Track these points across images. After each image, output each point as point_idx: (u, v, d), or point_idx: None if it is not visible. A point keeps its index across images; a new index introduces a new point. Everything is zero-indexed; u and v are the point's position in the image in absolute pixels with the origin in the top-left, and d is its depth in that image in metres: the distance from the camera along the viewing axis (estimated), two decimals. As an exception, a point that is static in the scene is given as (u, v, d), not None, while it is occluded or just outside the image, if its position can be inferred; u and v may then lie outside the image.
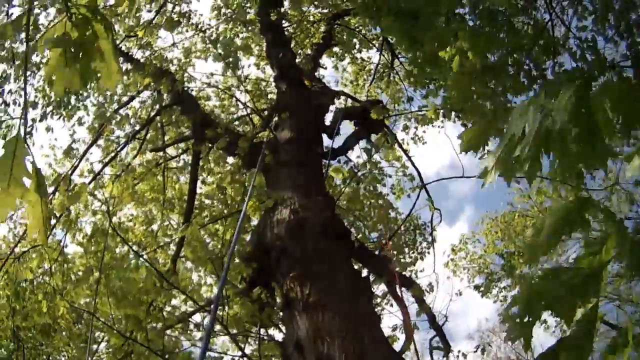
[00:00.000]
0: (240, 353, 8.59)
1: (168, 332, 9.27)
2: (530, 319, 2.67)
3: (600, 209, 2.80)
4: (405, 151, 12.78)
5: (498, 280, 20.90)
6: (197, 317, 9.72)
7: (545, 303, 2.66)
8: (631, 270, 2.70)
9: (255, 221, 9.24)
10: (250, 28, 14.59)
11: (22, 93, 11.33)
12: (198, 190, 11.93)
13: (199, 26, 14.08)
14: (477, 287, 20.50)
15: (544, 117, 2.83)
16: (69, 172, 11.62)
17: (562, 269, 2.68)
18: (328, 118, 10.95)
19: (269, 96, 13.65)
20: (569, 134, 2.78)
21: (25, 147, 2.91)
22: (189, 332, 9.59)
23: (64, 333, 10.18)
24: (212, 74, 13.25)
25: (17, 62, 10.75)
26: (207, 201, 12.07)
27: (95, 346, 9.85)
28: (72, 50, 3.16)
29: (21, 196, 2.92)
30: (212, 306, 7.01)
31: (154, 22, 12.84)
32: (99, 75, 3.29)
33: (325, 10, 14.55)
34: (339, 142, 10.90)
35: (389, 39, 13.16)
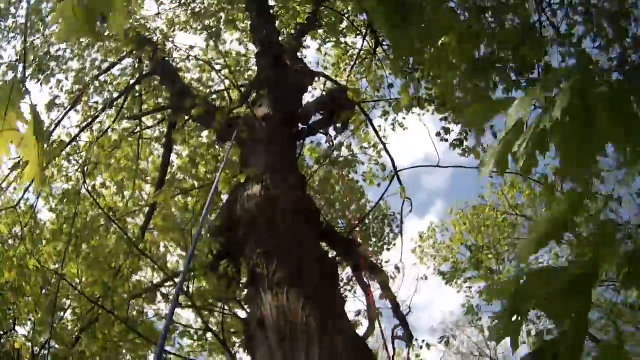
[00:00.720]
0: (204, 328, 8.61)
1: (134, 301, 9.25)
2: (519, 318, 2.68)
3: (592, 215, 2.83)
4: (380, 137, 12.79)
5: (464, 270, 20.94)
6: (164, 290, 9.70)
7: (535, 302, 2.68)
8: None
9: (226, 196, 9.20)
10: (236, 3, 14.53)
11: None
12: (171, 162, 11.92)
13: (185, -1, 14.05)
14: (442, 274, 20.54)
15: (542, 112, 2.85)
16: (49, 130, 11.62)
17: (552, 269, 2.77)
18: (306, 99, 10.96)
19: (249, 73, 13.64)
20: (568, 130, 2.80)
21: (22, 90, 2.86)
22: (157, 302, 9.57)
23: (30, 298, 10.12)
24: (191, 47, 13.21)
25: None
26: (180, 173, 12.05)
27: (61, 313, 9.84)
28: None
29: (17, 141, 2.86)
30: (179, 277, 7.00)
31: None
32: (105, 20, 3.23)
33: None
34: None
35: (374, 26, 13.14)
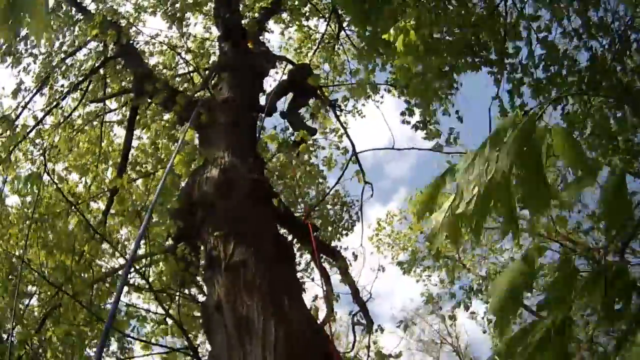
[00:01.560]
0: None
1: (97, 286, 9.22)
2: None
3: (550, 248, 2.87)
4: (340, 121, 12.78)
5: (422, 259, 20.92)
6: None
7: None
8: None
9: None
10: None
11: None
12: (133, 145, 11.90)
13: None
14: (400, 264, 20.45)
15: (491, 168, 2.88)
16: (13, 116, 11.58)
17: (529, 326, 2.81)
18: (267, 82, 10.96)
19: (212, 58, 13.61)
20: (512, 181, 2.86)
21: None
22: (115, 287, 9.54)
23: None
24: (157, 34, 13.16)
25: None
26: (141, 157, 12.02)
27: (26, 300, 9.80)
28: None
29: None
30: (136, 260, 6.99)
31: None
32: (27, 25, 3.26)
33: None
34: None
35: (338, 10, 13.13)
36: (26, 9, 3.11)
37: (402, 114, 11.57)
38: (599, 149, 9.50)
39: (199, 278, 8.50)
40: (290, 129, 11.88)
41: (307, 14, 15.40)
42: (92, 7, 12.52)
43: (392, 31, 7.39)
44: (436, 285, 21.42)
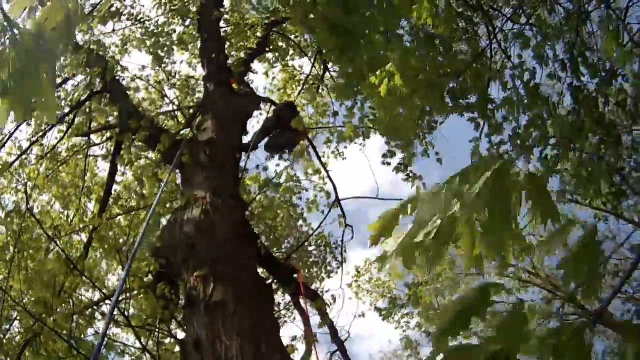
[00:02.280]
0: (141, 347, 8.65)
1: (75, 318, 9.27)
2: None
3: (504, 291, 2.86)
4: (322, 163, 12.88)
5: (401, 306, 20.92)
6: (104, 309, 9.74)
7: None
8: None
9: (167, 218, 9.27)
10: (188, 23, 14.67)
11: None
12: (117, 180, 12.00)
13: (138, 17, 14.13)
14: (378, 310, 20.43)
15: (456, 202, 2.89)
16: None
17: (468, 346, 2.72)
18: (251, 123, 11.08)
19: (197, 95, 13.75)
20: (477, 221, 2.87)
21: None
22: (95, 319, 9.60)
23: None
24: (143, 67, 13.27)
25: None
26: (124, 193, 12.10)
27: (7, 325, 9.84)
28: (15, 79, 3.21)
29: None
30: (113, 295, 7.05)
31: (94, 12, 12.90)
32: (35, 105, 3.36)
33: (265, 15, 14.63)
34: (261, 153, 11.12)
35: (322, 51, 13.28)
36: (33, 90, 3.21)
37: (384, 155, 11.72)
38: (579, 191, 9.62)
39: (177, 315, 8.58)
40: (272, 169, 11.96)
41: (291, 54, 15.58)
42: (79, 38, 12.61)
43: (377, 73, 7.49)
44: (414, 329, 21.44)
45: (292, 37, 15.19)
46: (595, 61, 8.56)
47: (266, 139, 11.20)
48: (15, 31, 3.21)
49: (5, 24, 3.18)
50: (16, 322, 9.98)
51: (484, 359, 2.55)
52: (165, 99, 13.53)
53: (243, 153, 10.26)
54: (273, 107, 12.65)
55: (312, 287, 12.72)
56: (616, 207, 10.05)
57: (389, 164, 11.77)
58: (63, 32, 3.39)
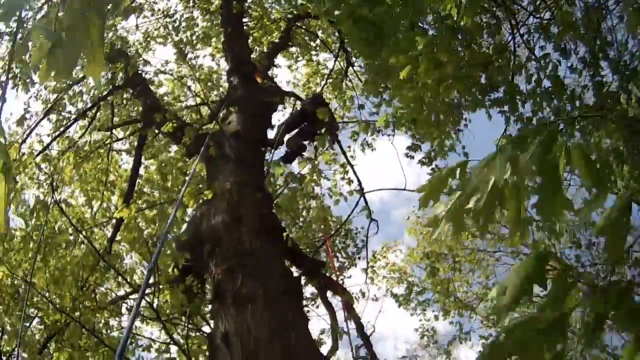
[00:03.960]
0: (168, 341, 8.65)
1: (100, 313, 9.28)
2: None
3: (560, 262, 2.84)
4: (347, 159, 12.83)
5: (419, 292, 20.77)
6: (129, 302, 9.74)
7: (512, 350, 2.67)
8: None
9: (192, 211, 9.25)
10: (211, 18, 14.66)
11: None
12: (141, 174, 12.00)
13: (164, 12, 14.15)
14: (395, 296, 20.29)
15: (511, 168, 2.90)
16: (19, 142, 11.63)
17: (524, 320, 2.71)
18: (276, 117, 11.07)
19: (221, 89, 13.73)
20: (527, 187, 2.89)
21: None
22: (120, 314, 9.62)
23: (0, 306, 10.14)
24: (167, 62, 13.27)
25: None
26: (148, 187, 12.08)
27: (28, 323, 9.85)
28: (61, 37, 3.17)
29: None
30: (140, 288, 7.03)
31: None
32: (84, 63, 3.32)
33: (288, 10, 14.62)
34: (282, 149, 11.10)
35: (346, 47, 13.22)
36: (81, 48, 3.17)
37: (408, 148, 11.67)
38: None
39: (203, 309, 8.58)
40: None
41: (315, 48, 15.55)
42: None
43: (400, 58, 7.44)
44: (429, 320, 21.28)
45: (315, 31, 15.15)
46: (617, 57, 8.49)
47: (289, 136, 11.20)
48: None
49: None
50: (35, 321, 9.99)
51: (541, 329, 2.59)
52: (189, 93, 13.52)
53: (269, 146, 10.23)
54: (299, 102, 12.63)
55: (341, 276, 12.67)
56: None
57: (412, 157, 11.73)
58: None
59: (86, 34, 3.12)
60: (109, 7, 3.52)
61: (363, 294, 11.47)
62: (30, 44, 3.25)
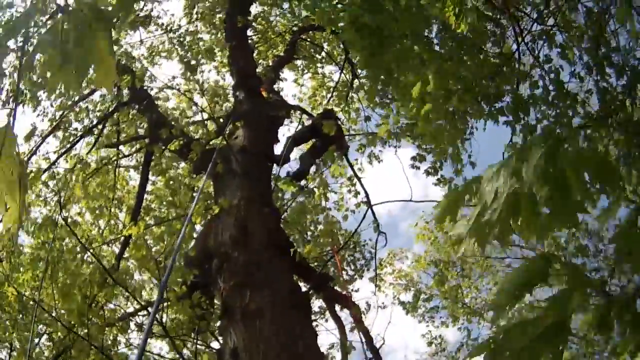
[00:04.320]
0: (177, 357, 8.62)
1: (107, 330, 9.27)
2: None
3: (564, 264, 2.84)
4: (355, 172, 12.83)
5: (427, 299, 20.71)
6: (137, 319, 9.73)
7: (510, 353, 2.68)
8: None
9: (200, 227, 9.25)
10: (216, 32, 14.70)
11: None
12: (148, 190, 12.01)
13: (169, 26, 14.18)
14: (402, 304, 20.21)
15: (515, 180, 2.90)
16: (26, 158, 11.63)
17: (526, 321, 2.72)
18: (282, 132, 11.06)
19: (227, 103, 13.75)
20: (539, 196, 2.86)
21: (13, 140, 2.94)
22: (129, 331, 9.60)
23: (7, 322, 10.15)
24: (173, 77, 13.29)
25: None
26: (155, 203, 12.09)
27: (37, 339, 9.86)
28: (68, 49, 3.18)
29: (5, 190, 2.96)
30: (152, 307, 7.02)
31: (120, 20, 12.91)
32: (93, 73, 3.32)
33: (292, 23, 14.66)
34: (294, 163, 11.08)
35: (351, 59, 13.22)
36: (91, 57, 3.17)
37: (413, 159, 11.66)
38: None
39: (212, 325, 8.56)
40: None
41: (320, 61, 15.56)
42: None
43: (411, 78, 7.44)
44: (438, 327, 21.21)
45: (320, 43, 15.17)
46: (621, 62, 8.46)
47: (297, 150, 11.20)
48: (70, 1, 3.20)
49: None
50: (44, 338, 10.00)
51: (541, 331, 2.61)
52: (195, 108, 13.54)
53: (276, 162, 10.22)
54: (305, 116, 12.64)
55: (348, 289, 12.63)
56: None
57: (418, 168, 11.74)
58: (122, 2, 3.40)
59: (94, 46, 3.12)
60: (115, 19, 3.52)
61: (369, 306, 11.43)
62: (37, 57, 3.27)
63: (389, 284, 20.92)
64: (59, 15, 3.21)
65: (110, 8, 3.38)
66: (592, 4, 8.76)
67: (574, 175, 2.85)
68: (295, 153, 11.18)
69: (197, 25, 14.82)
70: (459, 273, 20.74)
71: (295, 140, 11.03)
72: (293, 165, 11.14)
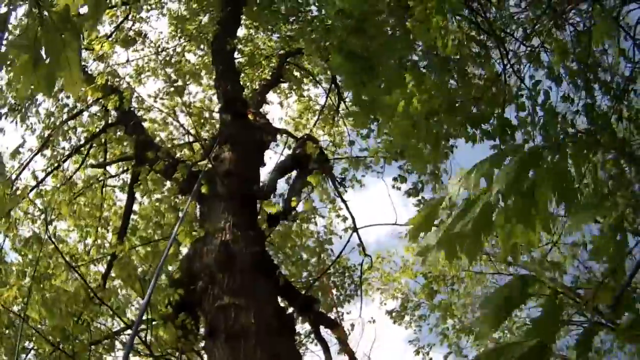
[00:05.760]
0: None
1: (93, 347, 9.33)
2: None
3: (544, 284, 2.89)
4: (341, 195, 12.89)
5: (414, 308, 20.56)
6: (123, 338, 9.79)
7: None
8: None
9: (186, 249, 9.33)
10: (202, 54, 14.82)
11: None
12: (134, 210, 12.08)
13: (157, 44, 14.23)
14: (389, 313, 20.06)
15: (486, 186, 2.95)
16: (13, 176, 11.69)
17: (505, 345, 2.72)
18: (268, 155, 11.15)
19: (213, 124, 13.81)
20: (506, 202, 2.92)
21: None
22: (115, 350, 9.67)
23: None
24: (159, 97, 13.30)
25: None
26: (142, 223, 12.14)
27: (23, 356, 9.89)
28: (40, 55, 3.31)
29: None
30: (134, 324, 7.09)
31: (112, 37, 13.02)
32: (62, 82, 3.46)
33: (279, 44, 14.78)
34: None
35: (338, 82, 13.31)
36: (60, 66, 3.29)
37: (394, 179, 11.77)
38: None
39: (196, 346, 8.63)
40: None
41: (306, 84, 15.66)
42: (93, 67, 12.72)
43: (393, 96, 7.51)
44: (420, 331, 21.07)
45: (307, 67, 15.27)
46: (608, 79, 8.59)
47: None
48: (45, 12, 3.33)
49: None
50: (31, 353, 10.04)
51: (521, 354, 2.60)
52: (182, 129, 13.60)
53: (260, 188, 10.31)
54: (291, 139, 12.73)
55: (332, 312, 12.69)
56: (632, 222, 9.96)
57: (399, 189, 11.85)
58: (89, 13, 3.54)
59: (63, 56, 3.26)
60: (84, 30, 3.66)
61: (352, 326, 11.48)
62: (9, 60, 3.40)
63: (376, 289, 20.81)
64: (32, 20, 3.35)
65: (82, 11, 3.54)
66: (579, 20, 8.91)
67: (542, 191, 2.91)
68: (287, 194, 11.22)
69: (184, 46, 14.89)
70: (450, 288, 20.67)
71: (279, 171, 11.15)
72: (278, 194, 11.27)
